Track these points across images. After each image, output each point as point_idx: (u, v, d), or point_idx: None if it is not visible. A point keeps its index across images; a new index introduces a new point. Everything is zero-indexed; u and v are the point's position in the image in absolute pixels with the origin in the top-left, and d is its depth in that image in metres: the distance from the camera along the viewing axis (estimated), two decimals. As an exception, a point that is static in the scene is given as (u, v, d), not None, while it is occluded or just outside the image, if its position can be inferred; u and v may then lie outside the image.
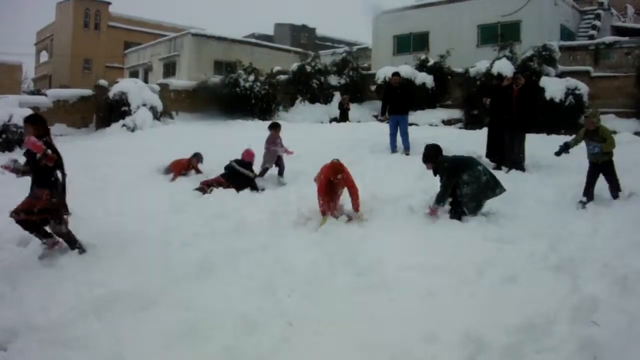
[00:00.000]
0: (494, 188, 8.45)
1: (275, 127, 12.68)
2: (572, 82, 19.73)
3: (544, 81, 19.76)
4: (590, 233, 7.21)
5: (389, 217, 8.59)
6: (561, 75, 21.28)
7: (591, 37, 27.58)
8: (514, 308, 4.99)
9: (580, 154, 12.83)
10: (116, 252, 7.11)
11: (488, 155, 12.34)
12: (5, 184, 11.11)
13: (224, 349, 4.70)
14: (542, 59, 21.56)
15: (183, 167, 12.69)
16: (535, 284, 5.61)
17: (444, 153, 8.90)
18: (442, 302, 5.36)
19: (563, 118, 18.63)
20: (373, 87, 25.46)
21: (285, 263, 6.76)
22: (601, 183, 9.27)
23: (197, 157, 12.97)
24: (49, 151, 6.61)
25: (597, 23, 29.59)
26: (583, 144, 9.49)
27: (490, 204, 8.57)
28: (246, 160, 11.59)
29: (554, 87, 19.40)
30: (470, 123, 21.16)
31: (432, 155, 8.79)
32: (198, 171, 12.80)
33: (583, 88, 19.63)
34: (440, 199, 8.45)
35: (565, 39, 26.78)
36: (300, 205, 9.16)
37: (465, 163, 8.68)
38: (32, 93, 31.94)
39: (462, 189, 8.35)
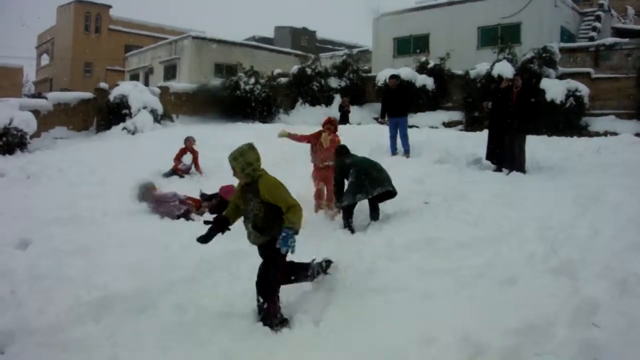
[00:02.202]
0: (368, 190, 8.62)
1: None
2: (572, 83, 19.75)
3: (545, 83, 19.76)
4: (591, 235, 7.15)
5: (386, 219, 8.58)
6: (561, 77, 21.29)
7: (591, 39, 27.51)
8: (513, 310, 4.95)
9: (584, 155, 12.85)
10: (115, 254, 7.11)
11: (488, 157, 12.31)
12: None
13: (222, 351, 4.69)
14: (543, 61, 21.56)
15: (180, 155, 12.95)
16: (535, 286, 5.56)
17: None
18: (440, 304, 5.33)
19: (564, 120, 18.66)
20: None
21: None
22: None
23: (189, 139, 13.22)
24: None
25: (598, 24, 29.52)
26: None
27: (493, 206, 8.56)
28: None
29: (554, 88, 19.41)
30: (471, 125, 21.18)
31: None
32: (195, 156, 12.93)
33: (584, 90, 19.65)
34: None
35: (565, 40, 26.75)
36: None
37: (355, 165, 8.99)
38: (33, 96, 32.00)
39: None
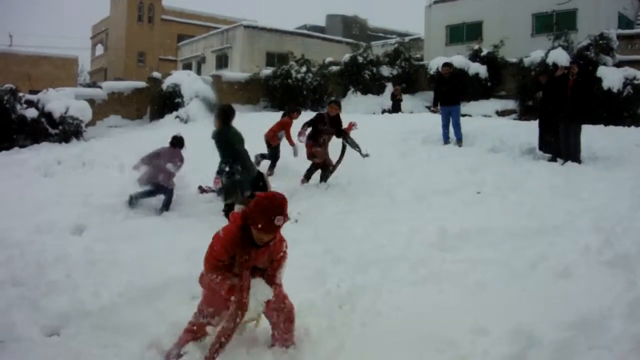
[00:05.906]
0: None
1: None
2: (630, 71, 19.19)
3: (601, 71, 19.25)
4: (649, 227, 7.00)
5: (440, 209, 8.50)
6: (619, 64, 20.73)
7: (651, 25, 26.84)
8: (566, 303, 4.87)
9: None
10: (168, 240, 7.22)
11: (541, 147, 12.11)
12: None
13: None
14: (599, 48, 21.04)
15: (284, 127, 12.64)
16: (590, 279, 5.45)
17: None
18: (492, 295, 5.27)
19: (621, 109, 18.20)
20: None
21: (335, 253, 6.76)
22: None
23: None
24: None
25: (657, 11, 28.78)
26: None
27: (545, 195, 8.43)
28: None
29: (611, 77, 18.89)
30: (525, 114, 20.83)
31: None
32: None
33: (642, 78, 19.11)
34: None
35: (623, 27, 26.04)
36: (352, 196, 9.15)
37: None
38: (88, 85, 32.69)
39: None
